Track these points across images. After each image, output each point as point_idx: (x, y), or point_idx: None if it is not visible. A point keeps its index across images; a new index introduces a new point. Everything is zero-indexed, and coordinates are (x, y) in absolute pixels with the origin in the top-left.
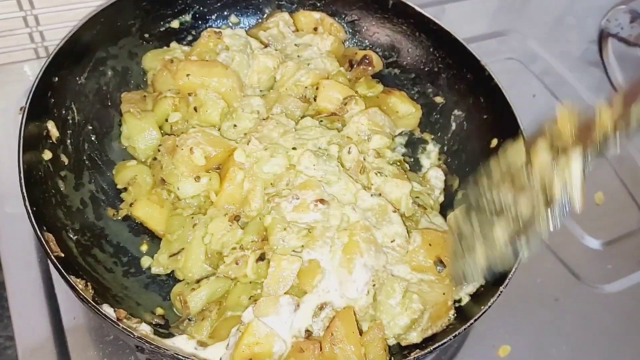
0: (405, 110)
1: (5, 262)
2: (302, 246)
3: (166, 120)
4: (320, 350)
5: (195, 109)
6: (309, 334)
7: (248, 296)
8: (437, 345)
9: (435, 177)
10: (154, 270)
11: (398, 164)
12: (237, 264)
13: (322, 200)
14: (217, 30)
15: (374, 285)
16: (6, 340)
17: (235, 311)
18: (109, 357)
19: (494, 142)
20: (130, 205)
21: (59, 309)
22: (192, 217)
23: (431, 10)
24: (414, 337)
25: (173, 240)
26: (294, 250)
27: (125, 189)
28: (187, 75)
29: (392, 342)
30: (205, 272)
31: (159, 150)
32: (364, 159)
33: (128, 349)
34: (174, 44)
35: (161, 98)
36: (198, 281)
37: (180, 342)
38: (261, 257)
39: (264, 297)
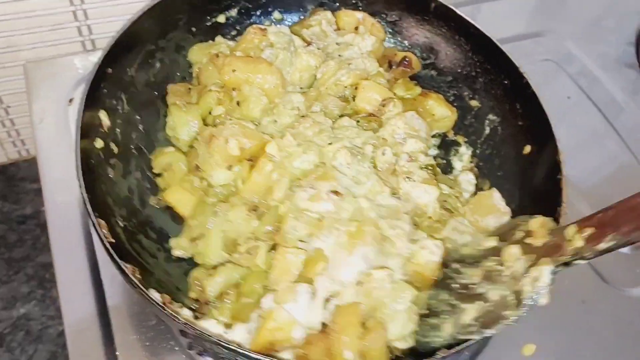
0: (442, 113)
1: (54, 248)
2: (310, 235)
3: (210, 113)
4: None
5: (238, 103)
6: (325, 327)
7: (262, 285)
8: (464, 346)
9: (467, 180)
10: (175, 252)
11: (430, 168)
12: (249, 253)
13: (336, 192)
14: (263, 27)
15: (361, 283)
16: (48, 320)
17: (251, 298)
18: (151, 341)
19: (527, 148)
20: (163, 190)
21: (104, 293)
22: (214, 205)
23: (467, 9)
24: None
25: (194, 225)
26: (300, 241)
27: (160, 175)
28: (233, 70)
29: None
30: (223, 258)
31: (196, 139)
32: (396, 162)
33: (169, 333)
34: (219, 38)
35: (206, 92)
36: (215, 267)
37: (209, 326)
38: (273, 248)
39: (272, 288)
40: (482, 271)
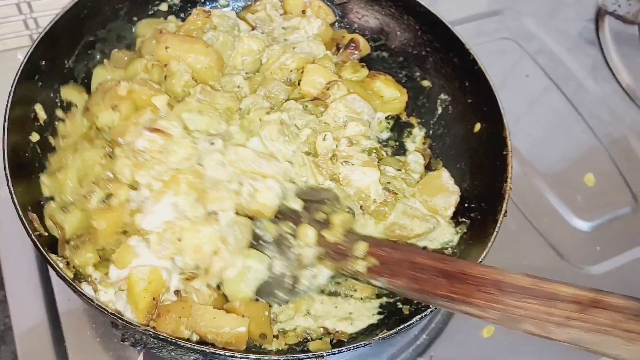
0: (390, 94)
1: (2, 246)
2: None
3: None
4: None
5: (165, 77)
6: (179, 294)
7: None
8: (402, 326)
9: (415, 161)
10: (45, 193)
11: (374, 151)
12: (85, 197)
13: (154, 129)
14: (207, 9)
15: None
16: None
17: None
18: (102, 337)
19: (477, 126)
20: (62, 138)
21: (53, 291)
22: (78, 144)
23: None
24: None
25: (55, 160)
26: (133, 188)
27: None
28: (167, 47)
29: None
30: (78, 195)
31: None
32: (336, 147)
33: None
34: (171, 17)
35: (136, 58)
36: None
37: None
38: (108, 196)
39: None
40: (276, 231)
